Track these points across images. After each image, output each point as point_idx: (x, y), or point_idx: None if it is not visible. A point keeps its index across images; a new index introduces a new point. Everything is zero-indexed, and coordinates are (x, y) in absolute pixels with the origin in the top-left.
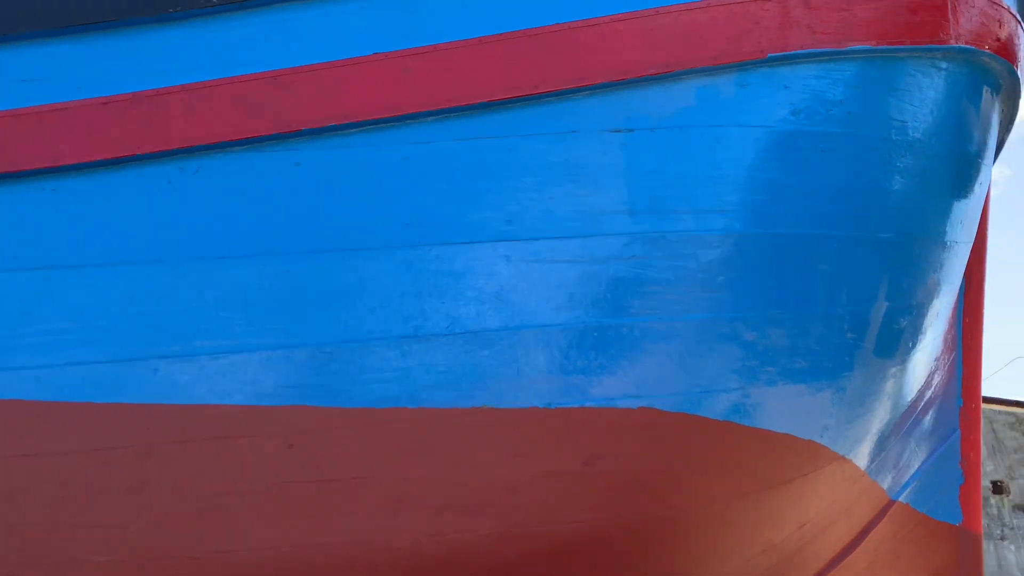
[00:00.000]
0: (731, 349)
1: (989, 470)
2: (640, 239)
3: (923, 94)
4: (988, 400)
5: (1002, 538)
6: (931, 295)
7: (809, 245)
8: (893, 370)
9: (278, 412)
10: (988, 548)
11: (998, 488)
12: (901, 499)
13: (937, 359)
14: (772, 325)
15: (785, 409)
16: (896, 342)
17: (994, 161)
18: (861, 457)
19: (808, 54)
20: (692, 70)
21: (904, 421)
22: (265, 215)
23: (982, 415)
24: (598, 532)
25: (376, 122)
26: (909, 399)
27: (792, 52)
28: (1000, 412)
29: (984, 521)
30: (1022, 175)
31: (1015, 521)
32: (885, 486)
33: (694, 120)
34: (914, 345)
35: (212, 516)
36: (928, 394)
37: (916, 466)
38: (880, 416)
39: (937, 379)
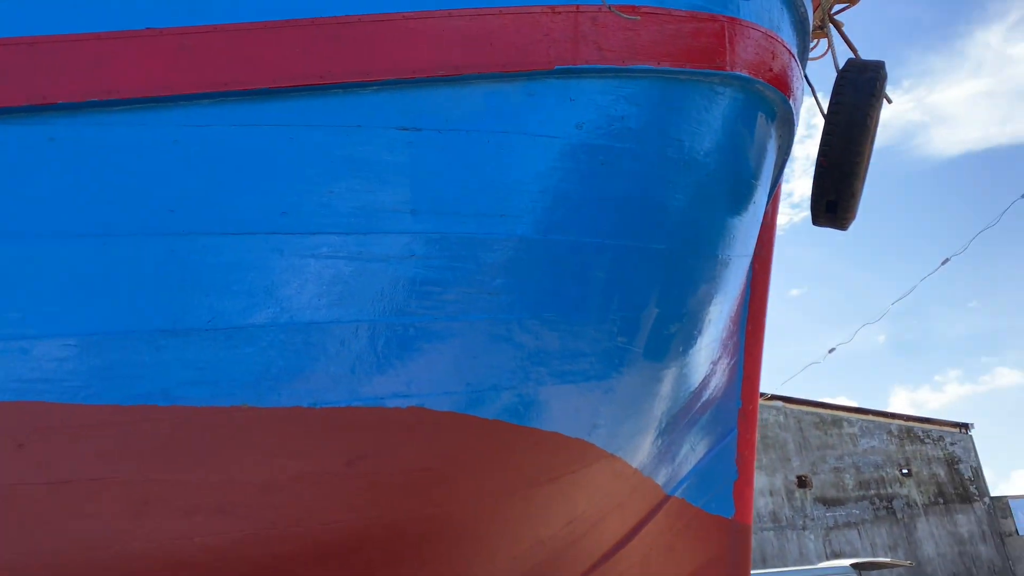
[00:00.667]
0: (505, 351)
1: (796, 465)
2: (421, 239)
3: (701, 116)
4: (797, 401)
5: (804, 528)
6: (703, 304)
7: (585, 253)
8: (664, 373)
9: (7, 408)
10: (791, 537)
11: (802, 482)
12: (677, 494)
13: (714, 363)
14: (546, 328)
15: (555, 409)
16: (666, 347)
17: (775, 185)
18: (632, 455)
19: (594, 69)
20: (482, 75)
21: (679, 421)
22: (11, 191)
23: (790, 415)
24: (361, 533)
25: (145, 101)
26: (683, 401)
27: (579, 66)
28: (807, 412)
29: (788, 513)
30: None
31: (815, 512)
32: (660, 482)
33: (481, 125)
34: (685, 350)
35: None
36: (705, 396)
37: (693, 463)
38: (652, 416)
39: (715, 382)
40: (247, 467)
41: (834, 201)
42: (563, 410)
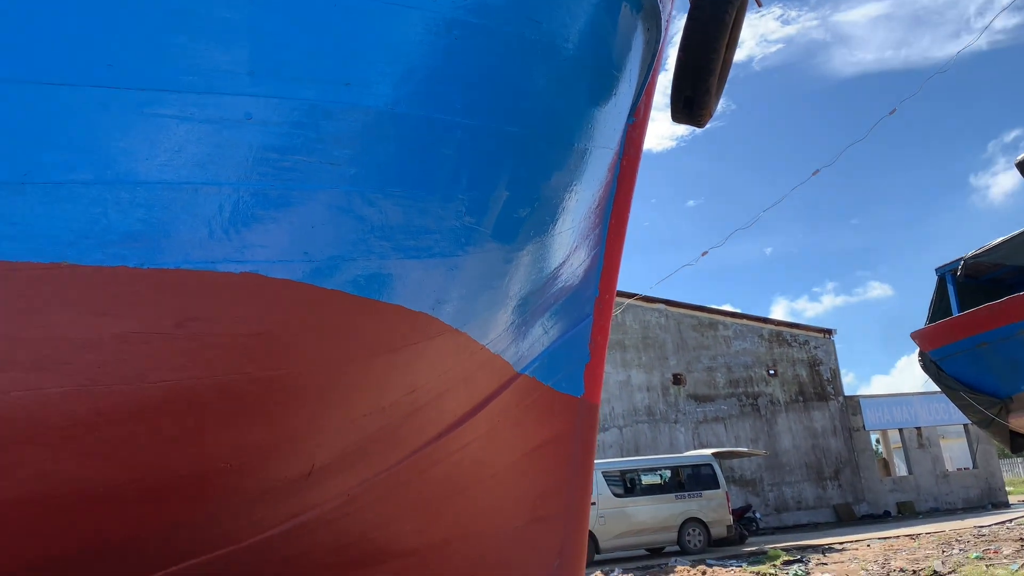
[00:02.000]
0: (347, 222)
1: (672, 364)
2: (260, 102)
3: None
4: (678, 304)
5: (676, 421)
6: (556, 191)
7: (434, 128)
8: (514, 256)
9: None
10: (664, 429)
11: (677, 380)
12: (527, 373)
13: (571, 252)
14: (390, 202)
15: (397, 283)
16: (516, 230)
17: (645, 82)
18: (480, 331)
19: None
20: None
21: (533, 303)
22: None
23: (671, 317)
24: (192, 392)
25: None
26: (537, 284)
27: None
28: (687, 315)
29: (663, 407)
30: None
31: (687, 408)
32: (510, 360)
33: None
34: (537, 235)
35: None
36: (560, 282)
37: (545, 345)
38: (501, 296)
39: (571, 270)
40: (67, 324)
41: (691, 97)
42: (406, 284)
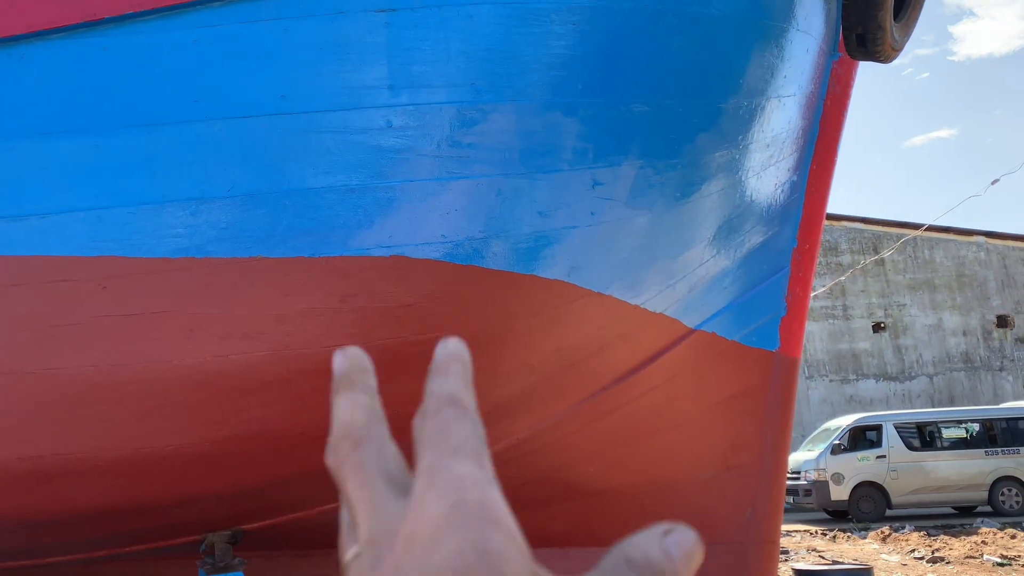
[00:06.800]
0: (478, 206)
1: (996, 304)
2: (397, 111)
3: None
4: (1002, 236)
5: (1001, 369)
6: (704, 153)
7: (557, 112)
8: (657, 219)
9: (93, 261)
10: (985, 378)
11: (1002, 322)
12: (705, 328)
13: (742, 210)
14: (521, 181)
15: (528, 255)
16: (657, 195)
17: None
18: (628, 292)
19: None
20: None
21: (696, 262)
22: (81, 95)
23: (992, 251)
24: None
25: (169, 9)
26: (693, 246)
27: None
28: (1014, 248)
29: (983, 353)
30: None
31: (1016, 354)
32: (678, 316)
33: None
34: (683, 196)
35: (45, 342)
36: (733, 241)
37: (727, 301)
38: (647, 259)
39: (748, 226)
40: (264, 304)
41: (862, 34)
42: (537, 256)
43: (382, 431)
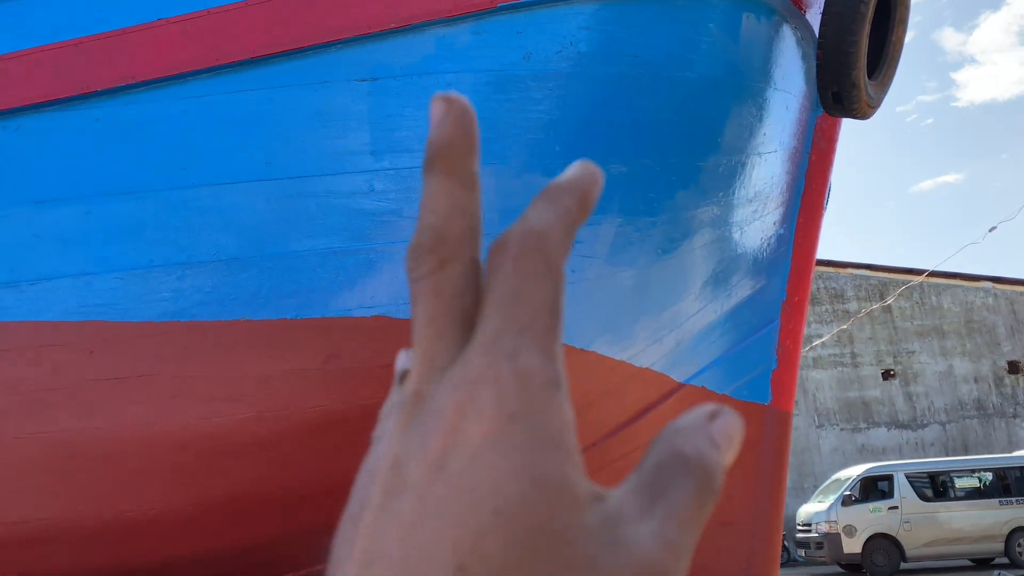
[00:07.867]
0: None
1: (1007, 350)
2: (380, 175)
3: (663, 27)
4: (1009, 281)
5: (1014, 415)
6: (682, 209)
7: (535, 174)
8: (636, 275)
9: (81, 326)
10: (999, 425)
11: (1014, 368)
12: (695, 383)
13: (727, 264)
14: None
15: None
16: (637, 252)
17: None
18: (612, 348)
19: (536, 1)
20: (431, 22)
21: (682, 317)
22: (74, 164)
23: (1000, 296)
24: (341, 413)
25: (159, 80)
26: (676, 301)
27: (522, 0)
28: (1022, 293)
29: (996, 400)
30: None
31: None
32: (665, 371)
33: (433, 67)
34: (665, 252)
35: (32, 407)
36: (718, 296)
37: (715, 355)
38: (632, 315)
39: (732, 281)
40: (248, 365)
41: (837, 92)
42: None
43: (475, 249)
